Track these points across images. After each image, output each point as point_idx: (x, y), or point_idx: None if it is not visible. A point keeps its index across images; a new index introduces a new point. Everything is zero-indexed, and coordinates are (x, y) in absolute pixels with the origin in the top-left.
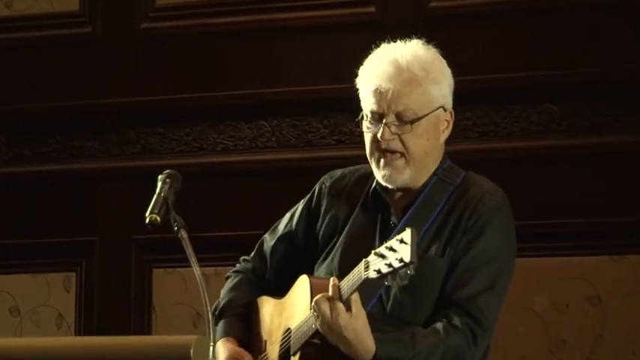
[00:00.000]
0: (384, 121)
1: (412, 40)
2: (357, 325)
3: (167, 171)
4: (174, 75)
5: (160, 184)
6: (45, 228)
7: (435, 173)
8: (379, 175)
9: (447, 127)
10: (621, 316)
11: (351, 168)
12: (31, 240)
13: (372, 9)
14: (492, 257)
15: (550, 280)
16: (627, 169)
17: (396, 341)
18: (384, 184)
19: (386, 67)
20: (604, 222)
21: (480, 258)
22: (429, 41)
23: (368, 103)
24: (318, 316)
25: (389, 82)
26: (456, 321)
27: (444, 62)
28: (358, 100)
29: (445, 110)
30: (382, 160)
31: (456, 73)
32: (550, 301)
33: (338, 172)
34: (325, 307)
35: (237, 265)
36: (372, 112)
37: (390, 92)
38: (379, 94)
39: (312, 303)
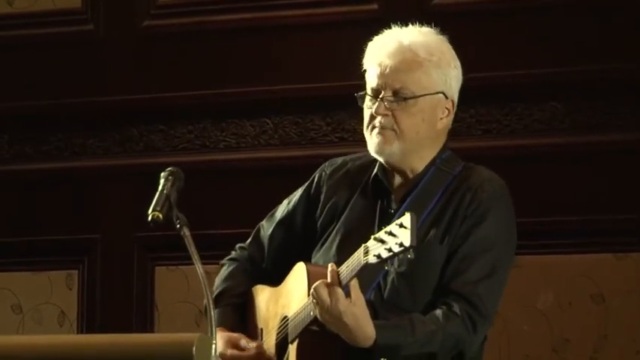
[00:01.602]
0: (380, 96)
1: (425, 27)
2: (356, 311)
3: (170, 168)
4: (176, 72)
5: (162, 181)
6: (47, 226)
7: (433, 163)
8: (371, 145)
9: (446, 116)
10: (625, 314)
11: (353, 156)
12: (33, 238)
13: (375, 6)
14: (492, 244)
15: (553, 278)
16: (630, 167)
17: (395, 327)
18: (374, 155)
19: (390, 44)
20: (607, 220)
21: (479, 245)
22: None
23: (369, 81)
24: (317, 303)
25: (389, 58)
26: (455, 308)
27: (453, 54)
28: (365, 82)
29: (446, 98)
30: (374, 130)
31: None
32: (553, 299)
33: (339, 160)
34: (324, 293)
35: (233, 252)
36: (372, 89)
37: (389, 68)
38: (379, 70)
39: (311, 290)
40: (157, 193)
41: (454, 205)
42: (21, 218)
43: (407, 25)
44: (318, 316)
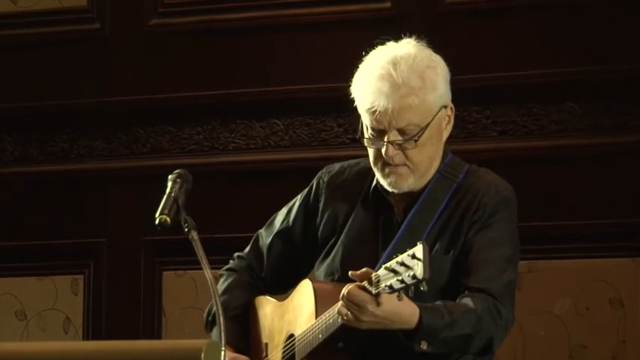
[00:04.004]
0: (385, 138)
1: (403, 41)
2: (388, 297)
3: (177, 171)
4: (184, 72)
5: (170, 184)
6: (52, 229)
7: (437, 170)
8: (384, 182)
9: (448, 123)
10: None
11: (350, 162)
12: (37, 242)
13: (388, 4)
14: (500, 244)
15: (570, 283)
16: None
17: (432, 308)
18: (390, 190)
19: (381, 83)
20: (625, 223)
21: (488, 246)
22: (445, 38)
23: (367, 119)
24: (354, 320)
25: (387, 100)
26: (478, 297)
27: (437, 60)
28: (354, 106)
29: (445, 107)
30: (386, 168)
31: (473, 71)
32: (570, 305)
33: (336, 167)
34: (356, 310)
35: (231, 261)
36: (373, 129)
37: (390, 111)
38: (378, 112)
39: (339, 311)
40: (165, 196)
41: (460, 213)
42: (25, 221)
43: (420, 24)
44: (362, 326)
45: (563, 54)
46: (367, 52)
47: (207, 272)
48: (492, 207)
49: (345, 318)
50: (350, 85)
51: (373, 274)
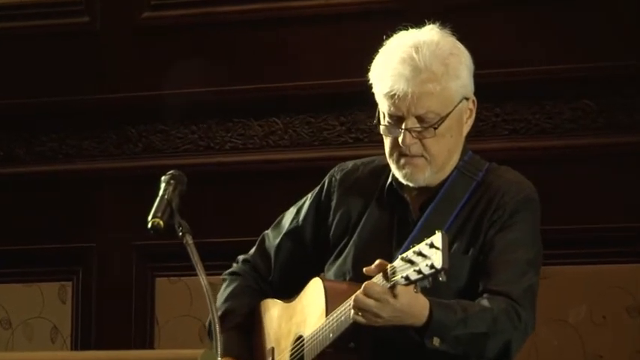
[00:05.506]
0: (403, 125)
1: (426, 27)
2: (402, 290)
3: (171, 172)
4: (178, 68)
5: (163, 185)
6: (39, 233)
7: (456, 166)
8: (399, 174)
9: (470, 117)
10: None
11: (364, 160)
12: (23, 246)
13: None
14: (521, 245)
15: (586, 290)
16: None
17: (446, 305)
18: (405, 182)
19: (402, 66)
20: None
21: (509, 247)
22: (454, 32)
23: (385, 104)
24: (365, 312)
25: (407, 84)
26: (497, 298)
27: (461, 49)
28: (372, 93)
29: (467, 99)
30: (402, 159)
31: (483, 66)
32: (586, 313)
33: (349, 164)
34: (367, 301)
35: (234, 265)
36: (391, 115)
37: (410, 96)
38: (397, 97)
39: (351, 306)
40: (158, 199)
41: (479, 212)
42: (11, 225)
43: (428, 18)
44: (379, 322)
45: (578, 48)
46: (369, 49)
47: (203, 278)
48: (513, 207)
49: (359, 314)
50: (361, 78)
51: (389, 265)
